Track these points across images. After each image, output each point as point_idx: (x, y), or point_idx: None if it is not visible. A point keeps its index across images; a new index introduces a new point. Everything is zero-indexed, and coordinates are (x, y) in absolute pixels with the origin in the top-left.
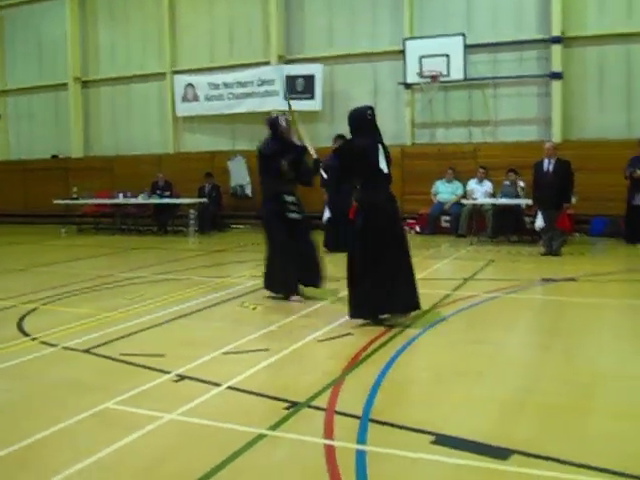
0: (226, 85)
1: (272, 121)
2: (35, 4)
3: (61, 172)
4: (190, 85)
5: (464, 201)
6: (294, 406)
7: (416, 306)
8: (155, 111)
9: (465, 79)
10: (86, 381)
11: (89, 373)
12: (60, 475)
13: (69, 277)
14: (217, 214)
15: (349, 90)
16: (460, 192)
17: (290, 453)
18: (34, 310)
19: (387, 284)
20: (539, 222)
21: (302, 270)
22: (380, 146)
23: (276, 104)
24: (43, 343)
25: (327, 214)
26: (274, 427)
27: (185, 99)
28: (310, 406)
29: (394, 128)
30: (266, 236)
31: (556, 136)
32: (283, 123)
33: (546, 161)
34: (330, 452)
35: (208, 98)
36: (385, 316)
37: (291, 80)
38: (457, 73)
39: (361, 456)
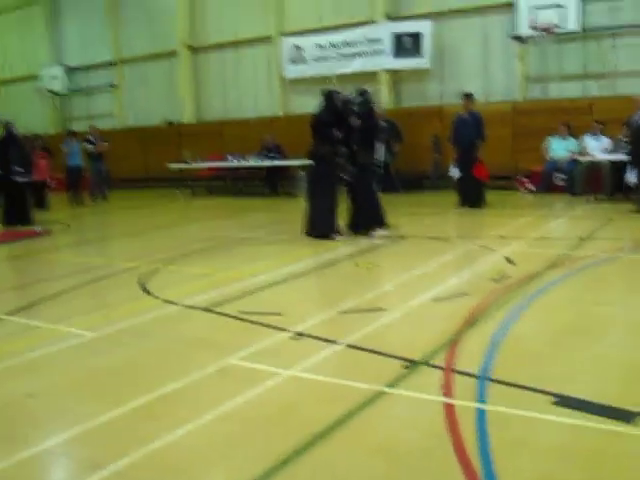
0: (333, 45)
1: (327, 95)
2: None
3: (175, 137)
4: (297, 47)
5: (580, 158)
6: (412, 364)
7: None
8: (263, 74)
9: (581, 30)
10: (208, 338)
11: (210, 330)
12: (187, 425)
13: (186, 238)
14: None
15: (458, 46)
16: (575, 148)
17: (410, 411)
18: (156, 270)
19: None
20: (631, 177)
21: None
22: None
23: (383, 63)
24: (165, 302)
25: (456, 172)
26: (393, 385)
27: (292, 61)
28: (428, 364)
29: (505, 83)
30: (318, 189)
31: None
32: (338, 101)
33: (637, 115)
34: (450, 411)
35: (315, 59)
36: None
37: (398, 38)
38: (572, 24)
39: (481, 415)
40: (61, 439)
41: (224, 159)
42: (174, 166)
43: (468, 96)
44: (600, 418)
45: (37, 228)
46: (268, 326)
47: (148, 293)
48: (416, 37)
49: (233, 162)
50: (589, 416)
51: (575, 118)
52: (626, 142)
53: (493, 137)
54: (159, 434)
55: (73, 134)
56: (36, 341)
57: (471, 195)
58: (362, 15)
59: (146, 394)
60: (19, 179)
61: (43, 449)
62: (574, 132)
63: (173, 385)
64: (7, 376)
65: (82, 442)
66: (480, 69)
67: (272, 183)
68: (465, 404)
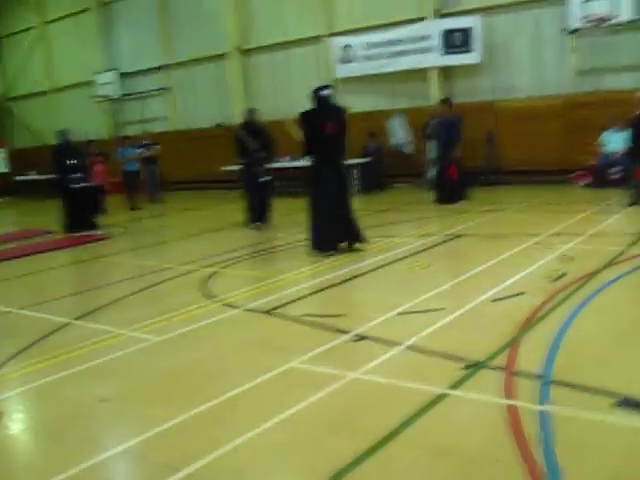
0: (383, 44)
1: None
2: None
3: (226, 139)
4: (347, 46)
5: None
6: (473, 366)
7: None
8: (313, 74)
9: (635, 19)
10: (271, 341)
11: (272, 334)
12: (255, 428)
13: (241, 240)
14: (379, 173)
15: (509, 41)
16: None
17: (473, 413)
18: (214, 273)
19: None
20: None
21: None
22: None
23: (434, 60)
24: (226, 305)
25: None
26: (455, 387)
27: (343, 60)
28: (489, 366)
29: (557, 77)
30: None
31: None
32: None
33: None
34: (513, 412)
35: (366, 58)
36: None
37: (448, 34)
38: (627, 13)
39: (544, 417)
40: (135, 442)
41: (276, 160)
42: (226, 168)
43: (444, 101)
44: None
45: (98, 233)
46: (328, 329)
47: (208, 297)
48: (466, 32)
49: (283, 163)
50: None
51: (630, 111)
52: None
53: (544, 132)
54: (228, 437)
55: (127, 139)
56: (104, 345)
57: (446, 193)
58: (411, 12)
59: (213, 398)
60: (75, 185)
61: (118, 452)
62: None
63: (239, 389)
64: (79, 380)
65: (155, 445)
66: (531, 63)
67: None
68: (528, 406)
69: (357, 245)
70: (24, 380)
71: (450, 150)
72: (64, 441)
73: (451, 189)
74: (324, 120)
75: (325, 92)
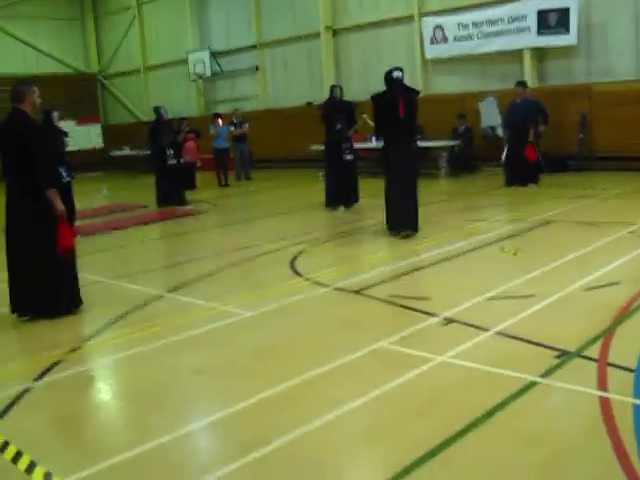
0: (475, 24)
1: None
2: None
3: (315, 118)
4: (439, 26)
5: None
6: (565, 355)
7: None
8: (404, 55)
9: None
10: (360, 321)
11: (361, 313)
12: (343, 406)
13: (329, 219)
14: (468, 156)
15: (607, 22)
16: None
17: (564, 403)
18: (303, 251)
19: None
20: None
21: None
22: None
23: (528, 41)
24: (316, 283)
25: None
26: (545, 375)
27: (434, 41)
28: (581, 356)
29: None
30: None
31: None
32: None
33: None
34: (605, 404)
35: (457, 39)
36: None
37: (543, 14)
38: None
39: (638, 411)
40: (224, 414)
41: (366, 140)
42: (315, 147)
43: (521, 84)
44: None
45: (188, 208)
46: (417, 311)
47: (298, 274)
48: (562, 13)
49: (367, 143)
50: None
51: None
52: None
53: None
54: (316, 414)
55: (218, 116)
56: (196, 318)
57: (519, 174)
58: None
59: (302, 374)
60: (170, 162)
61: (207, 424)
62: None
63: (327, 366)
64: (174, 351)
65: (244, 419)
66: (631, 45)
67: None
68: (621, 398)
69: (407, 233)
70: (119, 348)
71: (527, 132)
72: (156, 410)
73: (525, 170)
74: (395, 102)
75: (395, 74)
